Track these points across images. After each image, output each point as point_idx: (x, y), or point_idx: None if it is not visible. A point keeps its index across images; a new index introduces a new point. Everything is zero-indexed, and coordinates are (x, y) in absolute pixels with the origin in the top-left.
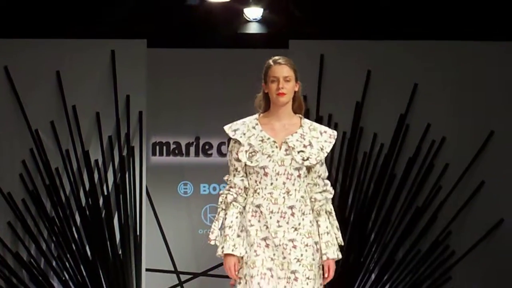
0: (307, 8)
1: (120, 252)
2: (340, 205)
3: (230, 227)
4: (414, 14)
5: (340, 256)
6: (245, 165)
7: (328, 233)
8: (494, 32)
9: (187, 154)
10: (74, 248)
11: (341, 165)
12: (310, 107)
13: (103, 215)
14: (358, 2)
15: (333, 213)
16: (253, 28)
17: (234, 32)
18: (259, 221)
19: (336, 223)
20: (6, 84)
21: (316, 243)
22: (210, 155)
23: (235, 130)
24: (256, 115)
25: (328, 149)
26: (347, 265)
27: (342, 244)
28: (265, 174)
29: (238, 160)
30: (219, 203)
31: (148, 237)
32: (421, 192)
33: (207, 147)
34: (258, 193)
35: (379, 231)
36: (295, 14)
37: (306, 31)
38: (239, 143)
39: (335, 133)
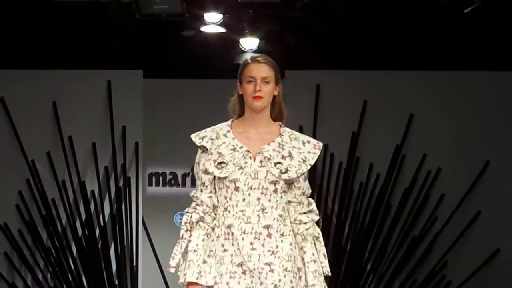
0: (302, 39)
1: (116, 283)
2: (336, 235)
3: (195, 251)
4: (410, 45)
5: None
6: (214, 178)
7: (315, 261)
8: (489, 62)
9: (183, 184)
10: (70, 278)
11: (337, 195)
12: None
13: (99, 245)
14: (354, 32)
15: (321, 238)
16: None
17: (230, 62)
18: (232, 244)
19: (323, 250)
20: (2, 114)
21: (299, 269)
22: None
23: (202, 137)
24: (229, 121)
25: (312, 161)
26: None
27: (329, 274)
28: (236, 189)
29: (206, 172)
30: (183, 223)
31: (144, 268)
32: (417, 223)
33: None
34: (229, 211)
35: (375, 261)
36: (291, 45)
37: (302, 61)
38: (207, 151)
39: (321, 144)
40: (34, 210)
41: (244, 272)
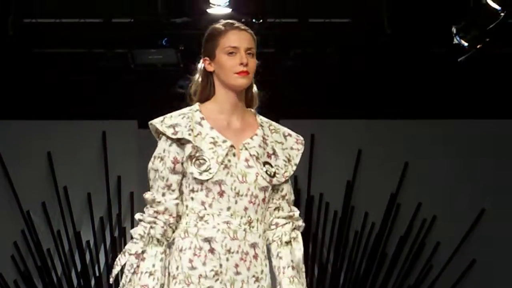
0: (296, 88)
1: None
2: (332, 284)
3: (151, 274)
4: (403, 94)
5: None
6: (182, 179)
7: (293, 268)
8: (483, 111)
9: None
10: None
11: (333, 244)
12: (301, 187)
13: None
14: (348, 82)
15: (300, 240)
16: None
17: None
18: (204, 263)
19: (300, 255)
20: None
21: None
22: None
23: (173, 126)
24: (195, 105)
25: (297, 160)
26: None
27: None
28: (221, 194)
29: (174, 171)
30: (138, 237)
31: None
32: (413, 271)
33: None
34: (207, 222)
35: None
36: (285, 94)
37: (296, 111)
38: (181, 145)
39: (302, 138)
40: (30, 261)
41: None
